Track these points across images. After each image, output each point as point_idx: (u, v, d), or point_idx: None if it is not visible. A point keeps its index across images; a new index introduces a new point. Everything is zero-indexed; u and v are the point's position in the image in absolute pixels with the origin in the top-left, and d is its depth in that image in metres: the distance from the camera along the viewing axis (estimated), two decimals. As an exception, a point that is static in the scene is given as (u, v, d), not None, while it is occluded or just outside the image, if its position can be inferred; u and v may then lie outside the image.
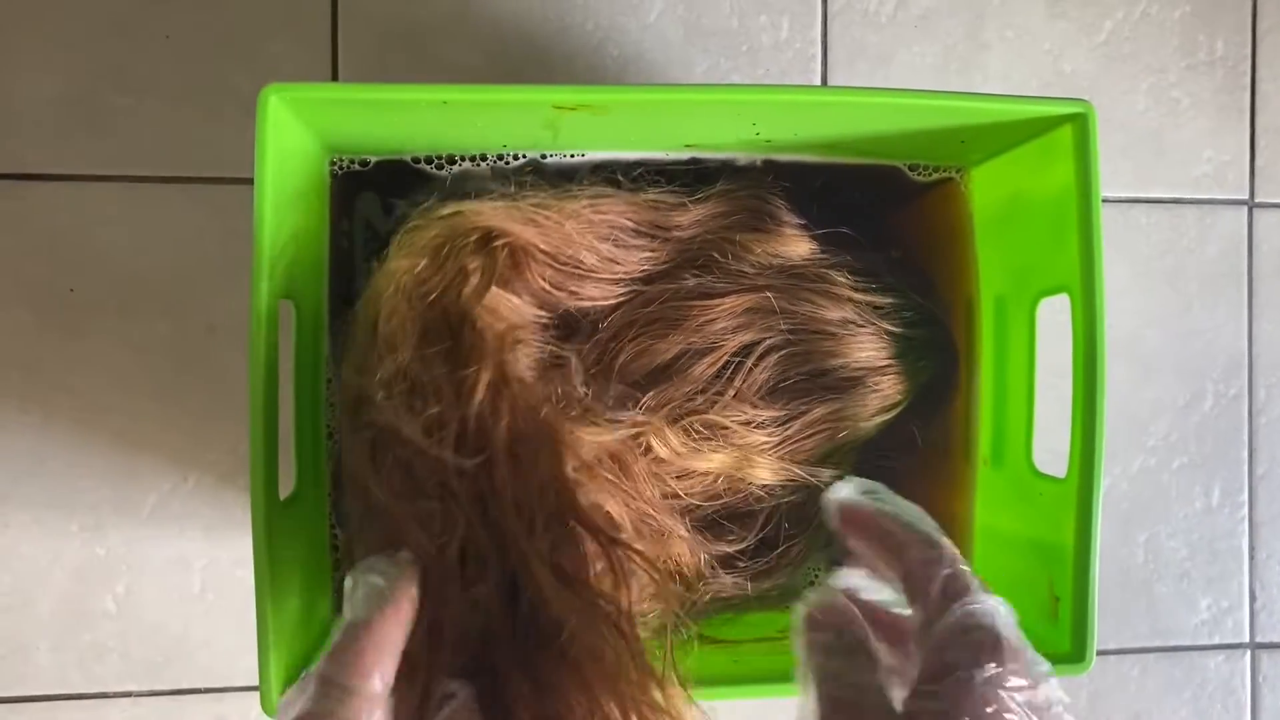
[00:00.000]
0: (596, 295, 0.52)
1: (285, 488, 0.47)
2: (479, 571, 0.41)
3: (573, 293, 0.51)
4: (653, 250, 0.53)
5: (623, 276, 0.52)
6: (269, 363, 0.43)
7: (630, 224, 0.53)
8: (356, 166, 0.54)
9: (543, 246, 0.50)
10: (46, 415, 0.62)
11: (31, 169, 0.61)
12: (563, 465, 0.44)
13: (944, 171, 0.60)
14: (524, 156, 0.55)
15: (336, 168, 0.54)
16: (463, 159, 0.55)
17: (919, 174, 0.60)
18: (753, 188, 0.56)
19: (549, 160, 0.56)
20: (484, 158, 0.55)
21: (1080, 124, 0.49)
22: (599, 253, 0.51)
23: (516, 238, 0.48)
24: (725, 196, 0.55)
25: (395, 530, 0.42)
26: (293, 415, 0.49)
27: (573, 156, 0.56)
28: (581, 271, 0.51)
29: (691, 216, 0.54)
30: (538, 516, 0.42)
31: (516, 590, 0.41)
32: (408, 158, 0.54)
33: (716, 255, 0.54)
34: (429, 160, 0.55)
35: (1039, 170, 0.53)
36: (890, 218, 0.61)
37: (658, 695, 0.41)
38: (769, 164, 0.58)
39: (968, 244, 0.60)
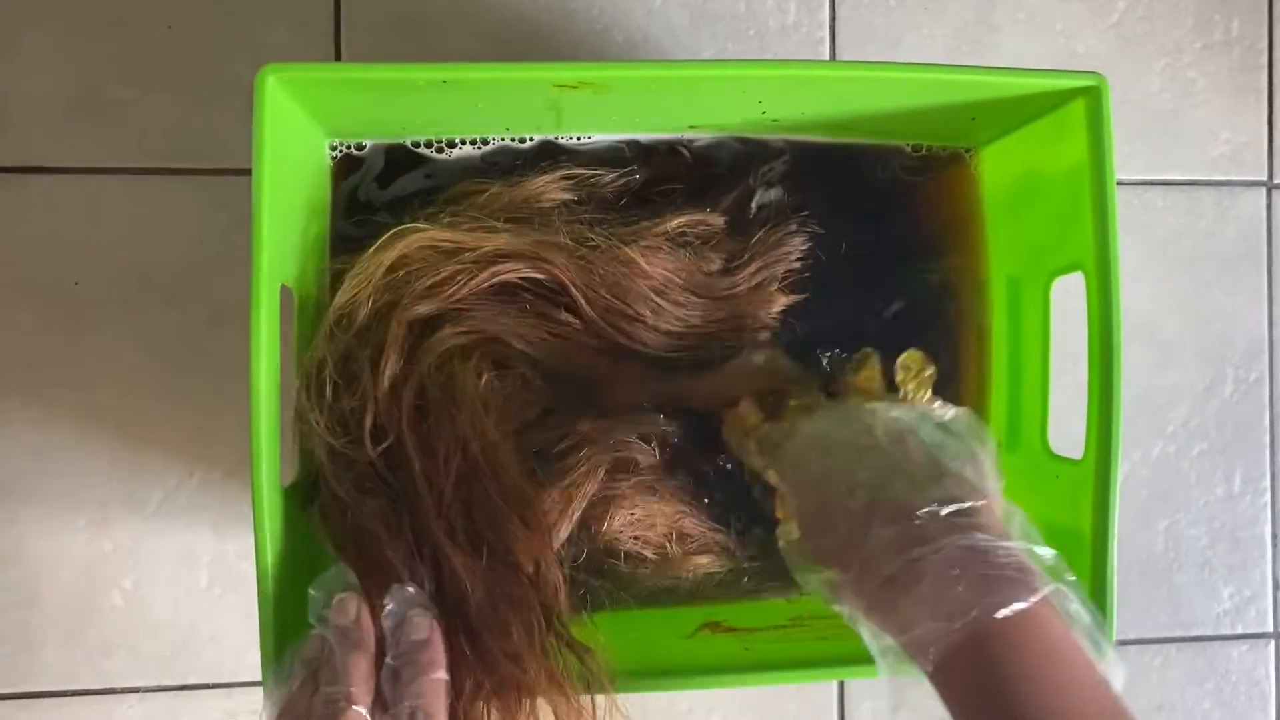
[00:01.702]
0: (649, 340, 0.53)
1: (288, 477, 0.46)
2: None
3: (624, 332, 0.52)
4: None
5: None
6: (269, 347, 0.42)
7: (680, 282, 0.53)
8: (356, 150, 0.54)
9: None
10: (51, 410, 0.61)
11: (34, 162, 0.61)
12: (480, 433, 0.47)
13: (954, 151, 0.59)
14: (528, 140, 0.55)
15: (336, 151, 0.54)
16: (463, 142, 0.54)
17: (928, 154, 0.59)
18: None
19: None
20: (485, 141, 0.55)
21: (1093, 97, 0.48)
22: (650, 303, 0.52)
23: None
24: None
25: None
26: (295, 401, 0.48)
27: (578, 140, 0.55)
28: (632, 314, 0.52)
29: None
30: (446, 489, 0.45)
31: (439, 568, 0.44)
32: (408, 141, 0.54)
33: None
34: (429, 144, 0.54)
35: (1052, 147, 0.52)
36: (899, 200, 0.60)
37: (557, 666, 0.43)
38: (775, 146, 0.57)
39: (978, 224, 0.59)
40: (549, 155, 0.55)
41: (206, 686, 0.63)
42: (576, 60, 0.65)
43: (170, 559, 0.63)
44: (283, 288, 0.45)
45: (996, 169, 0.58)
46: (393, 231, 0.49)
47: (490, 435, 0.47)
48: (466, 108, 0.49)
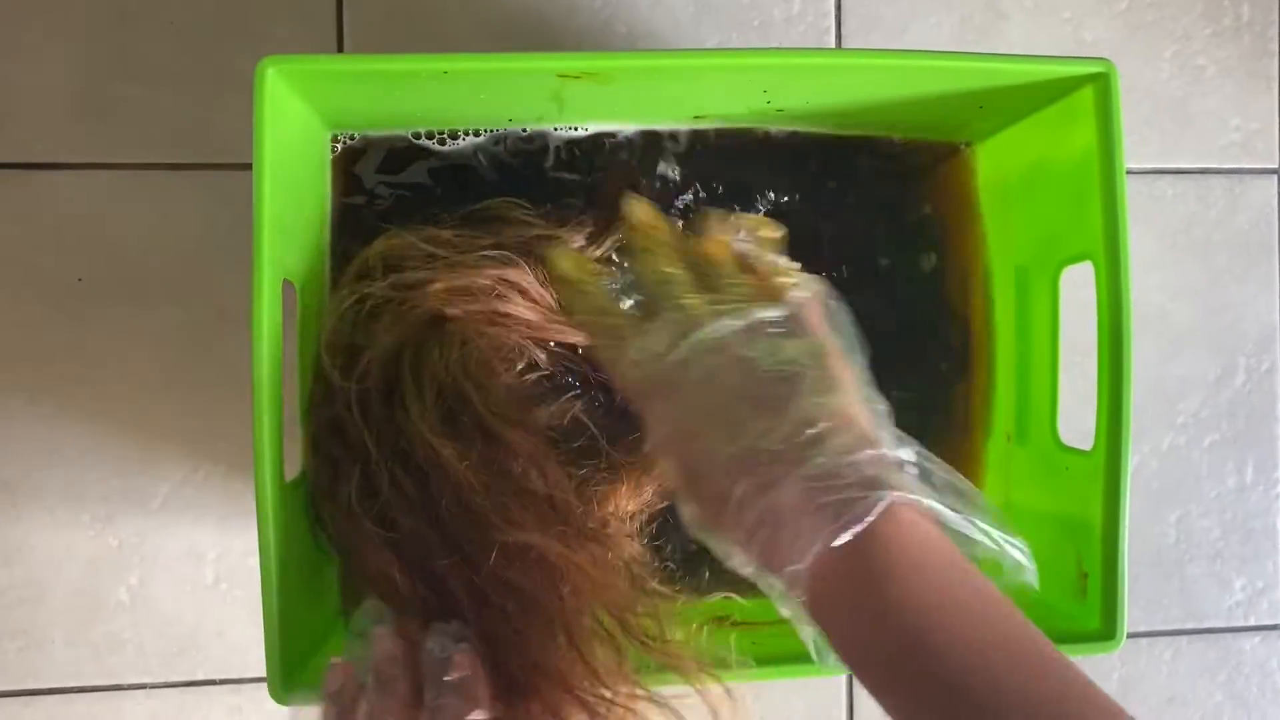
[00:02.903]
0: None
1: (292, 472, 0.46)
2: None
3: None
4: None
5: None
6: (271, 342, 0.42)
7: None
8: (358, 142, 0.53)
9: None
10: (57, 406, 0.61)
11: (38, 158, 0.61)
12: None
13: (960, 139, 0.59)
14: (528, 130, 0.54)
15: (338, 144, 0.53)
16: (466, 134, 0.54)
17: (934, 143, 0.59)
18: None
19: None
20: (488, 133, 0.54)
21: (1102, 84, 0.48)
22: None
23: None
24: None
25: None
26: (297, 397, 0.48)
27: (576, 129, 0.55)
28: None
29: None
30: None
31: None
32: (409, 133, 0.54)
33: None
34: (430, 135, 0.54)
35: (1060, 135, 0.51)
36: (904, 190, 0.59)
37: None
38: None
39: (984, 214, 0.59)
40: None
41: (213, 682, 0.63)
42: (580, 51, 0.64)
43: (176, 555, 0.63)
44: (285, 282, 0.45)
45: (1003, 158, 0.58)
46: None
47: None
48: (468, 99, 0.49)
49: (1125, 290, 0.47)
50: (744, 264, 0.47)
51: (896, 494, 0.37)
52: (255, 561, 0.43)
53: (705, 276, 0.45)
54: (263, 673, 0.44)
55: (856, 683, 0.67)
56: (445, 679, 0.39)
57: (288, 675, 0.43)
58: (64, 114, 0.61)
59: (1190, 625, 0.72)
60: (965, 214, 0.59)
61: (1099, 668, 0.71)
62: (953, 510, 0.39)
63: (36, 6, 0.60)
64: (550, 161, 0.55)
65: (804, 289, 0.45)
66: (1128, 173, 0.48)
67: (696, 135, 0.56)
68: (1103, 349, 0.47)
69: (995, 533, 0.40)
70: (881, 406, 0.43)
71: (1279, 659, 0.74)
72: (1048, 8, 0.69)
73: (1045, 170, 0.54)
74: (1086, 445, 0.50)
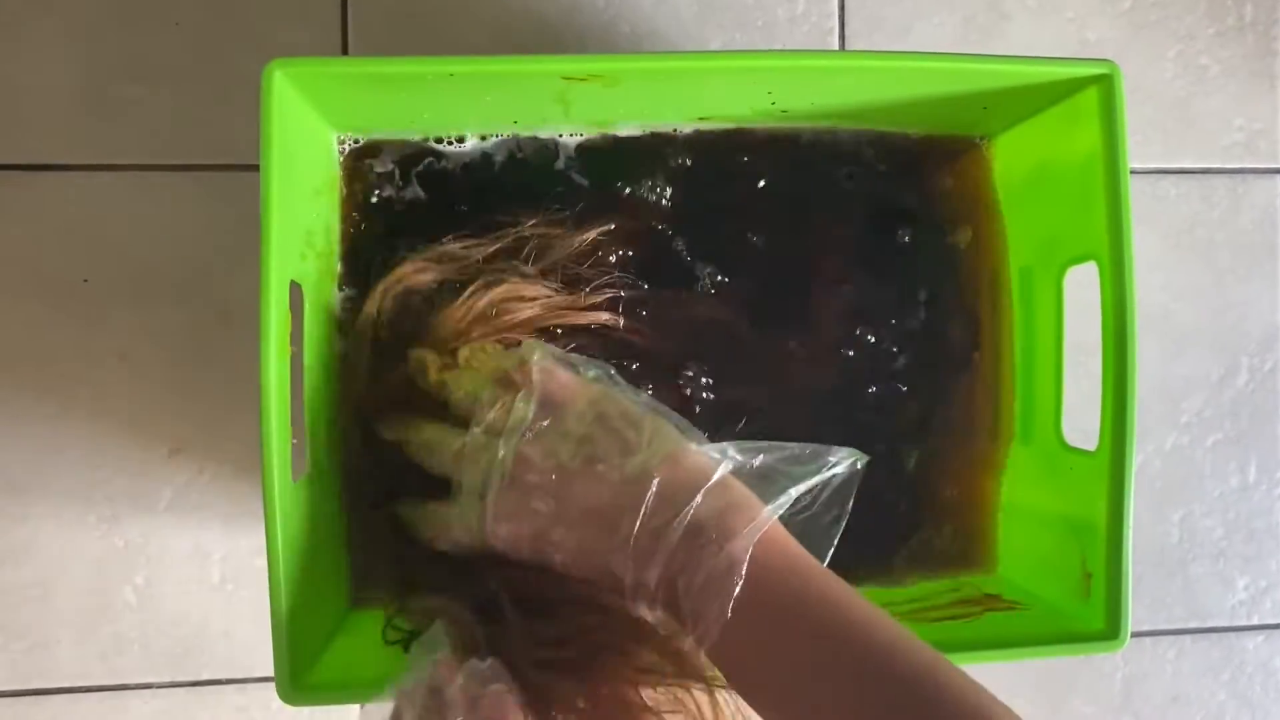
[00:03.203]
0: None
1: (299, 473, 0.46)
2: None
3: None
4: None
5: None
6: (279, 343, 0.42)
7: None
8: (363, 145, 0.54)
9: None
10: (63, 407, 0.61)
11: (43, 159, 0.61)
12: None
13: (965, 140, 0.59)
14: (534, 133, 0.54)
15: (344, 146, 0.53)
16: (473, 136, 0.54)
17: (937, 144, 0.59)
18: None
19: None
20: (496, 137, 0.54)
21: (1106, 85, 0.48)
22: None
23: None
24: None
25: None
26: (305, 397, 0.48)
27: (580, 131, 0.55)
28: None
29: None
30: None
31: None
32: (416, 136, 0.54)
33: None
34: (438, 139, 0.54)
35: (1064, 136, 0.52)
36: (910, 192, 0.59)
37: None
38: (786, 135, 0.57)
39: (992, 215, 0.59)
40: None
41: (220, 682, 0.64)
42: (584, 52, 0.64)
43: (182, 555, 0.63)
44: (292, 284, 0.45)
45: (1008, 159, 0.58)
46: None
47: None
48: (474, 101, 0.49)
49: (1130, 290, 0.47)
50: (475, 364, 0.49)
51: (739, 544, 0.39)
52: (262, 561, 0.44)
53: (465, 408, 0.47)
54: (269, 673, 0.44)
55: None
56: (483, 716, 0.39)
57: (295, 675, 0.43)
58: (70, 115, 0.61)
59: (1194, 625, 0.72)
60: (972, 213, 0.59)
61: (1103, 667, 0.71)
62: (774, 497, 0.41)
63: (42, 7, 0.61)
64: (559, 164, 0.55)
65: (532, 359, 0.46)
66: (1131, 173, 0.48)
67: (701, 136, 0.56)
68: (1107, 349, 0.48)
69: (813, 478, 0.42)
70: (671, 414, 0.44)
71: (1282, 658, 0.74)
72: (1051, 8, 0.69)
73: (1049, 171, 0.54)
74: (1091, 445, 0.50)
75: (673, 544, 0.39)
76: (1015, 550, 0.58)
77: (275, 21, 0.62)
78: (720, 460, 0.42)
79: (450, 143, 0.54)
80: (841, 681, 0.37)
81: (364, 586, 0.54)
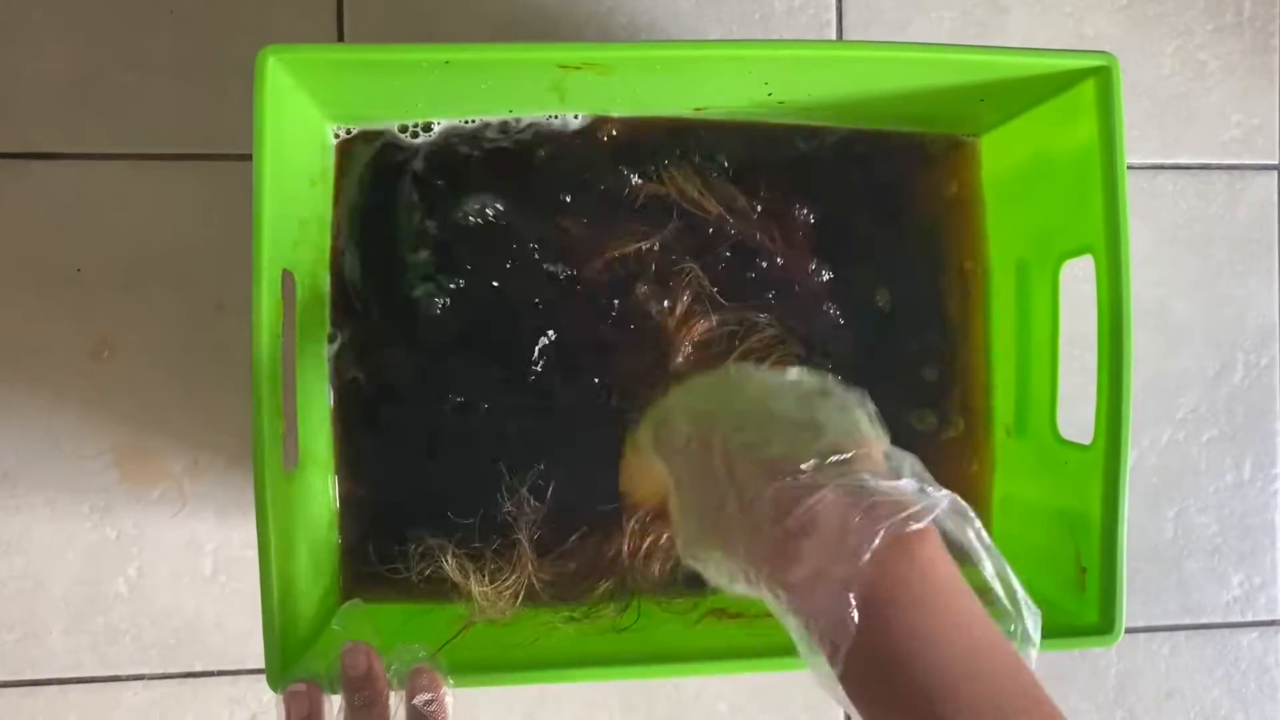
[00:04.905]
0: None
1: (291, 463, 0.46)
2: None
3: None
4: None
5: None
6: (271, 332, 0.42)
7: None
8: (357, 133, 0.53)
9: None
10: (56, 397, 0.61)
11: (37, 148, 0.61)
12: None
13: (961, 134, 0.58)
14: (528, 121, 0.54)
15: (338, 134, 0.53)
16: (467, 123, 0.54)
17: (935, 137, 0.59)
18: None
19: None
20: (489, 121, 0.54)
21: (1103, 78, 0.48)
22: None
23: None
24: None
25: None
26: (296, 387, 0.48)
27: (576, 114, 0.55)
28: None
29: None
30: None
31: None
32: (410, 124, 0.53)
33: None
34: (429, 127, 0.54)
35: (1061, 129, 0.51)
36: (903, 183, 0.59)
37: None
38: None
39: (987, 208, 0.59)
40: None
41: (211, 674, 0.63)
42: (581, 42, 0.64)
43: (174, 547, 0.63)
44: (285, 273, 0.44)
45: (1005, 152, 0.58)
46: None
47: None
48: (469, 89, 0.49)
49: (1125, 280, 0.47)
50: None
51: (946, 504, 0.37)
52: (254, 553, 0.43)
53: None
54: (261, 664, 0.44)
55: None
56: (414, 700, 0.41)
57: (286, 666, 0.43)
58: (63, 104, 0.61)
59: (1188, 621, 0.72)
60: (969, 206, 0.59)
61: (1097, 662, 0.71)
62: (985, 546, 0.39)
63: (36, -4, 0.60)
64: (547, 152, 0.55)
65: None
66: (1128, 168, 0.48)
67: (698, 126, 0.56)
68: (1102, 339, 0.47)
69: (1019, 591, 0.39)
70: (907, 458, 0.41)
71: (1276, 654, 0.74)
72: (1049, 2, 0.69)
73: (1046, 164, 0.54)
74: (1086, 439, 0.50)
75: (860, 483, 0.37)
76: (1010, 544, 0.57)
77: (270, 10, 0.62)
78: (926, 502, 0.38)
79: (436, 130, 0.54)
80: None
81: (356, 576, 0.54)
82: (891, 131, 0.58)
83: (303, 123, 0.48)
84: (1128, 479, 0.48)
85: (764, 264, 0.58)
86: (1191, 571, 0.72)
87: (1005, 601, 0.39)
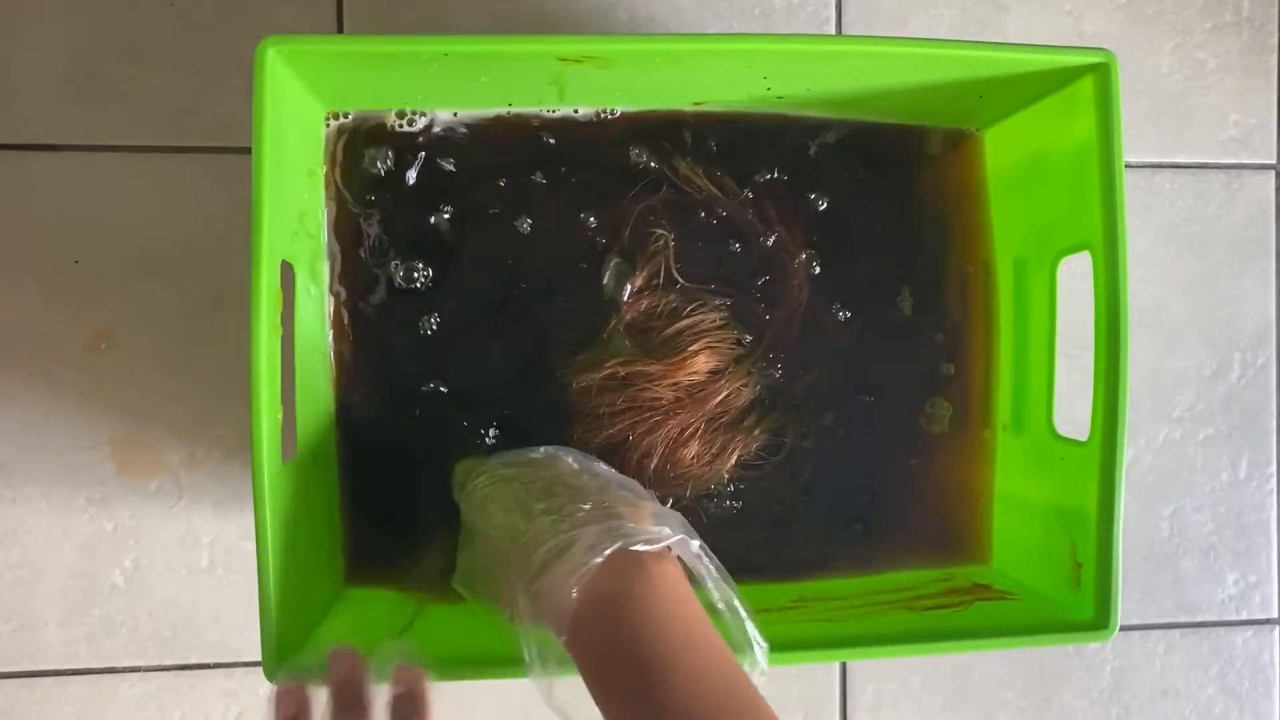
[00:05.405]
0: None
1: (289, 454, 0.46)
2: None
3: None
4: None
5: None
6: (270, 323, 0.42)
7: None
8: (356, 124, 0.53)
9: None
10: (53, 389, 0.61)
11: (35, 139, 0.61)
12: None
13: (960, 130, 0.59)
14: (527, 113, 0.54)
15: (336, 125, 0.53)
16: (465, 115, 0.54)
17: (933, 133, 0.59)
18: None
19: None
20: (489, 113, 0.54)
21: (1102, 74, 0.48)
22: None
23: None
24: None
25: None
26: (295, 379, 0.48)
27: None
28: None
29: None
30: None
31: None
32: (409, 115, 0.53)
33: None
34: (427, 116, 0.54)
35: (1059, 126, 0.51)
36: (903, 180, 0.59)
37: None
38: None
39: (984, 205, 0.59)
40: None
41: (207, 666, 0.63)
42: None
43: (172, 539, 0.63)
44: (284, 264, 0.44)
45: (1003, 149, 0.58)
46: None
47: None
48: (468, 82, 0.49)
49: (1123, 277, 0.47)
50: None
51: (679, 538, 0.43)
52: (251, 545, 0.43)
53: None
54: (257, 657, 0.44)
55: (850, 670, 0.67)
56: (397, 695, 0.42)
57: (282, 659, 0.43)
58: (62, 95, 0.61)
59: (1183, 619, 0.73)
60: (968, 202, 0.59)
61: (1092, 661, 0.71)
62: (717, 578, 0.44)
63: (35, -13, 0.60)
64: (547, 141, 0.55)
65: None
66: (1126, 167, 0.48)
67: (697, 120, 0.56)
68: (1099, 335, 0.48)
69: (748, 624, 0.44)
70: (674, 515, 0.47)
71: (1271, 653, 0.74)
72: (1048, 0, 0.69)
73: (1044, 161, 0.54)
74: (1082, 436, 0.50)
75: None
76: (1006, 540, 0.58)
77: (269, 1, 0.62)
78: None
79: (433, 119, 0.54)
80: None
81: (359, 566, 0.54)
82: (891, 125, 0.58)
83: (302, 115, 0.48)
84: (1124, 476, 0.48)
85: (738, 246, 0.58)
86: (1187, 570, 0.72)
87: (735, 633, 0.44)
